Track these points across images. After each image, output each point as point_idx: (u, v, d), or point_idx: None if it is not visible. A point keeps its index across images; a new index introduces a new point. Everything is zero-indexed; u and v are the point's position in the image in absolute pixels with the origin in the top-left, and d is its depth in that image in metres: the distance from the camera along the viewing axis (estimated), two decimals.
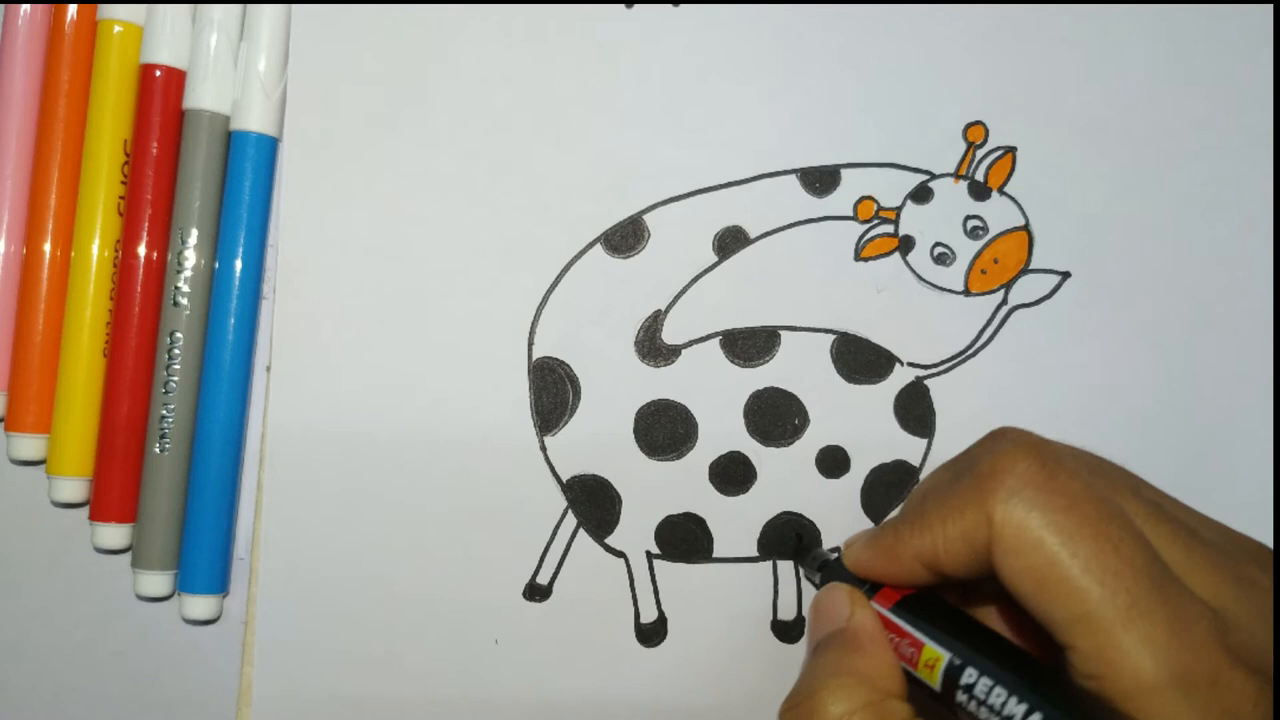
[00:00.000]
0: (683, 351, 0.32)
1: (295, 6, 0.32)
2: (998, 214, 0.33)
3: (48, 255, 0.31)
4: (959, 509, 0.23)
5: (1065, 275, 0.33)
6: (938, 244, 0.32)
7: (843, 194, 0.32)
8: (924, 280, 0.32)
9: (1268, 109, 0.34)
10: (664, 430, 0.32)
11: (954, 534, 0.23)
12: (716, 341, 0.32)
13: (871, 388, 0.32)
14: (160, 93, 0.31)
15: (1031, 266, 0.33)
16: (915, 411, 0.32)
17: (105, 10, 0.31)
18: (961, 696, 0.23)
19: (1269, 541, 0.32)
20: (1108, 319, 0.33)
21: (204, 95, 0.31)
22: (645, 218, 0.32)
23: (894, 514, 0.31)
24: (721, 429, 0.32)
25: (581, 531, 0.32)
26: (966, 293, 0.32)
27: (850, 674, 0.24)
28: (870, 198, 0.32)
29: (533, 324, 0.32)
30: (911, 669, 0.24)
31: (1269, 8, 0.34)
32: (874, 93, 0.33)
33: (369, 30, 0.32)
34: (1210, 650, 0.21)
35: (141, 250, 0.31)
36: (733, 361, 0.32)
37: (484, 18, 0.32)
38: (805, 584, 0.32)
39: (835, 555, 0.29)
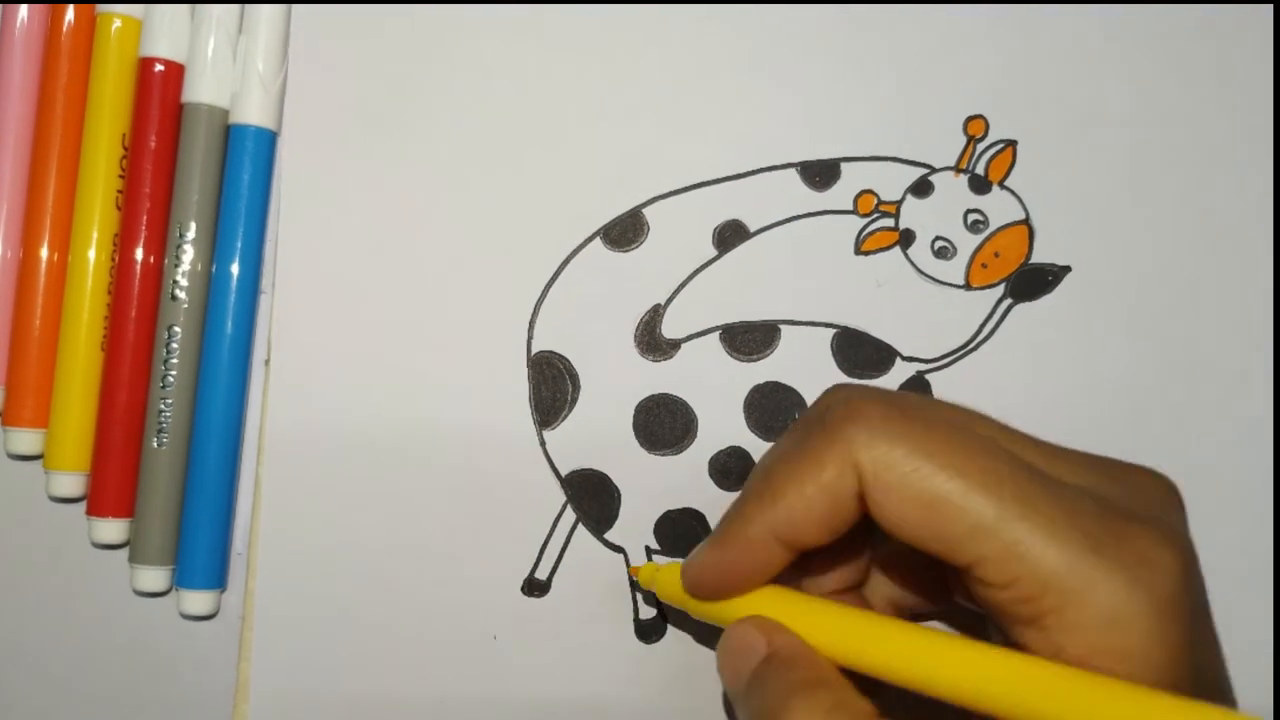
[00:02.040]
0: (682, 345, 0.32)
1: (294, 2, 0.32)
2: (998, 208, 0.32)
3: (46, 249, 0.31)
4: (816, 466, 0.22)
5: (1066, 269, 0.33)
6: (938, 238, 0.32)
7: (843, 188, 0.32)
8: (924, 274, 0.32)
9: (1268, 104, 0.34)
10: (664, 425, 0.32)
11: (813, 493, 0.22)
12: (716, 335, 0.32)
13: (872, 382, 0.32)
14: (159, 86, 0.31)
15: (1032, 260, 0.33)
16: None
17: (104, 5, 0.31)
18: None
19: (1269, 540, 0.33)
20: (1108, 313, 0.33)
21: (203, 89, 0.31)
22: (645, 211, 0.32)
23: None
24: (722, 423, 0.32)
25: (580, 527, 0.31)
26: (967, 287, 0.32)
27: (802, 688, 0.23)
28: (870, 191, 0.32)
29: (532, 318, 0.32)
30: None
31: (1269, 8, 0.34)
32: (874, 86, 0.33)
33: (368, 24, 0.32)
34: (1104, 515, 0.21)
35: (140, 244, 0.31)
36: (733, 356, 0.32)
37: (483, 11, 0.32)
38: None
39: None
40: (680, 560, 0.28)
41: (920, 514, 0.21)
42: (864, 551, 0.27)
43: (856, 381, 0.24)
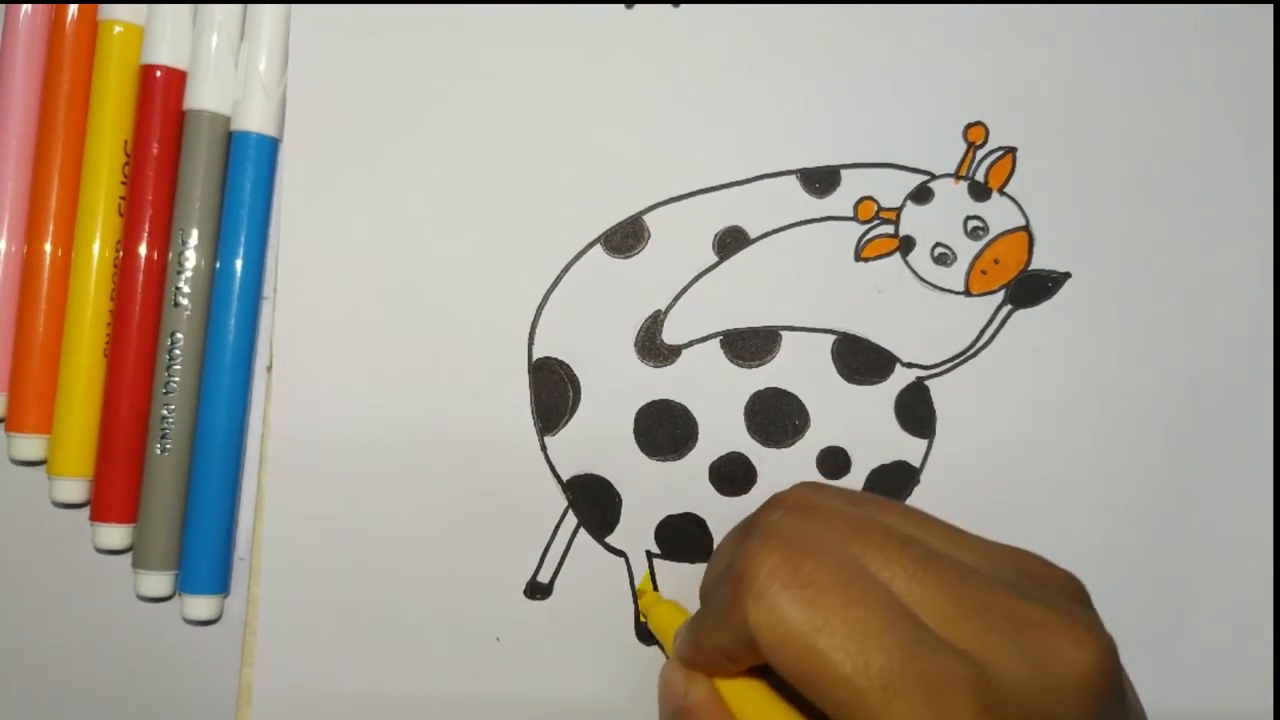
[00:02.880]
0: (683, 352, 0.32)
1: (295, 7, 0.32)
2: (998, 214, 0.33)
3: (48, 256, 0.31)
4: (726, 612, 0.23)
5: (1065, 275, 0.33)
6: (938, 244, 0.32)
7: (843, 194, 0.32)
8: (924, 281, 0.32)
9: (1268, 109, 0.34)
10: (664, 430, 0.32)
11: (730, 634, 0.23)
12: (717, 342, 0.32)
13: (872, 388, 0.32)
14: (161, 93, 0.31)
15: (1032, 267, 0.33)
16: (916, 412, 0.32)
17: (106, 11, 0.31)
18: None
19: (1269, 541, 0.33)
20: (1108, 319, 0.33)
21: (204, 96, 0.31)
22: (645, 218, 0.32)
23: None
24: (722, 429, 0.32)
25: (582, 531, 0.32)
26: (967, 293, 0.32)
27: None
28: (870, 198, 0.32)
29: (533, 324, 0.32)
30: None
31: (1269, 8, 0.34)
32: (874, 93, 0.33)
33: (369, 31, 0.32)
34: (968, 714, 0.20)
35: (142, 251, 0.31)
36: (733, 362, 0.32)
37: (484, 18, 0.32)
38: None
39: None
40: (675, 601, 0.30)
41: (797, 679, 0.21)
42: None
43: (790, 497, 0.25)
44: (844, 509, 0.24)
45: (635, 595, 0.32)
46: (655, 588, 0.32)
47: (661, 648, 0.31)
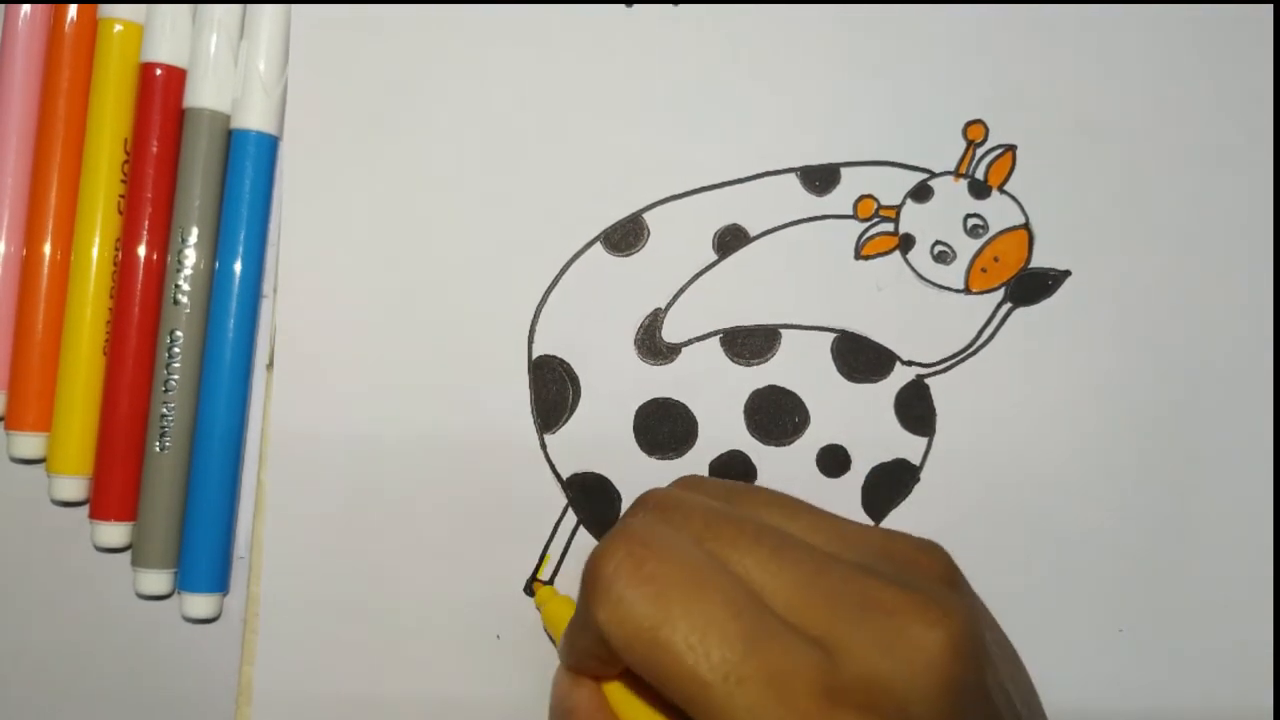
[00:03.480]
0: (683, 350, 0.32)
1: (295, 5, 0.32)
2: (998, 212, 0.33)
3: (47, 254, 0.31)
4: (583, 615, 0.23)
5: (1065, 274, 0.33)
6: (938, 242, 0.32)
7: (842, 192, 0.32)
8: (924, 279, 0.32)
9: (1268, 108, 0.34)
10: (664, 429, 0.32)
11: (590, 637, 0.23)
12: (716, 340, 0.32)
13: (872, 386, 0.32)
14: (160, 91, 0.31)
15: (1032, 265, 0.33)
16: (916, 410, 0.32)
17: (105, 9, 0.31)
18: None
19: (1269, 541, 0.33)
20: (1108, 317, 0.33)
21: (204, 94, 0.31)
22: (645, 216, 0.32)
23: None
24: (721, 427, 0.32)
25: (582, 529, 0.32)
26: (967, 291, 0.32)
27: None
28: (870, 196, 0.32)
29: (532, 322, 0.32)
30: None
31: (1269, 7, 0.34)
32: (874, 91, 0.33)
33: (369, 29, 0.32)
34: (808, 700, 0.20)
35: (141, 249, 0.31)
36: (733, 360, 0.32)
37: (484, 16, 0.32)
38: None
39: None
40: (570, 597, 0.30)
41: (649, 673, 0.21)
42: None
43: (651, 497, 0.25)
44: (704, 504, 0.24)
45: (531, 589, 0.31)
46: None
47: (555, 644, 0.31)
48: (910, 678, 0.20)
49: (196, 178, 0.31)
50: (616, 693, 0.25)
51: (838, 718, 0.20)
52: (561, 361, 0.32)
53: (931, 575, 0.23)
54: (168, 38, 0.31)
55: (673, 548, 0.22)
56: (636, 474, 0.32)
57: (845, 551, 0.23)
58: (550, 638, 0.31)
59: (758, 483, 0.32)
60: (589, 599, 0.22)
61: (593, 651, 0.24)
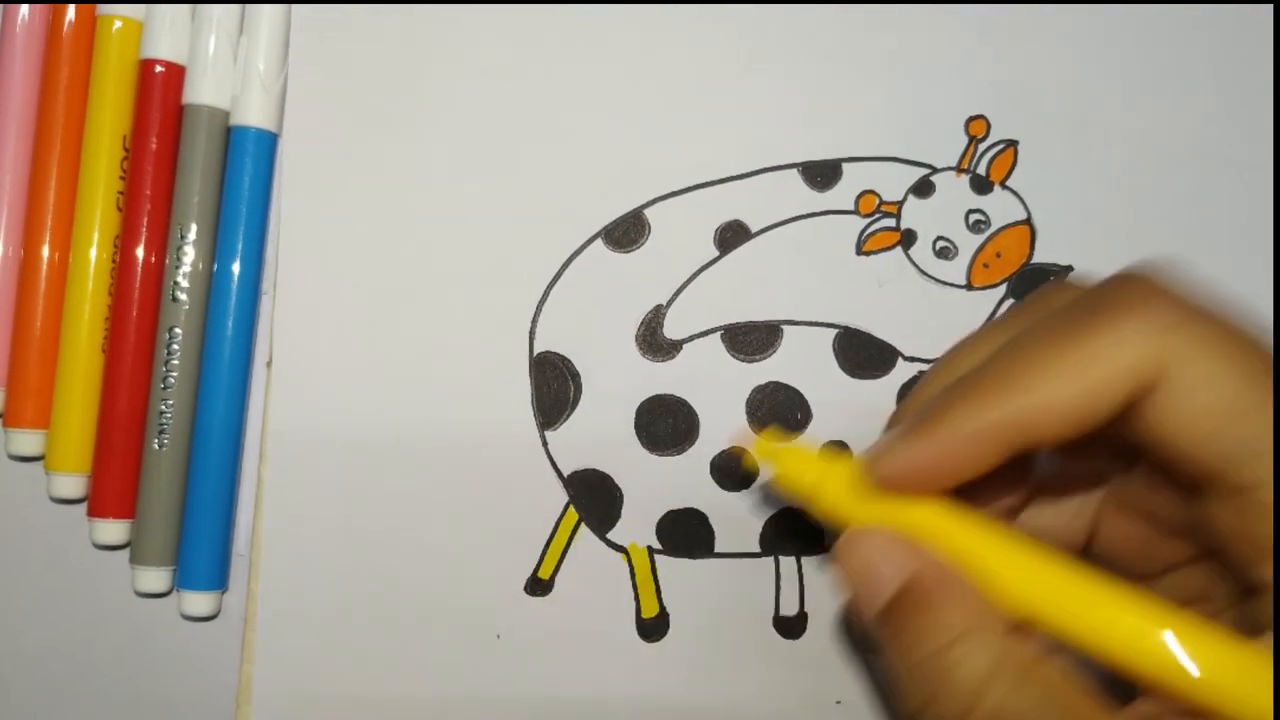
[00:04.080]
0: (684, 346, 0.32)
1: (294, 3, 0.32)
2: (1000, 208, 0.32)
3: (46, 251, 0.31)
4: (1087, 352, 0.19)
5: (1068, 269, 0.33)
6: (940, 238, 0.32)
7: (844, 188, 0.32)
8: (926, 274, 0.32)
9: (1268, 104, 0.34)
10: (665, 425, 0.32)
11: (1076, 385, 0.19)
12: (718, 336, 0.32)
13: (874, 382, 0.32)
14: (160, 88, 0.31)
15: (1034, 260, 0.33)
16: None
17: (105, 6, 0.31)
18: None
19: (1268, 542, 0.33)
20: None
21: (203, 90, 0.31)
22: (646, 212, 0.32)
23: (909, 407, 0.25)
24: (723, 424, 0.32)
25: (583, 526, 0.31)
26: (969, 287, 0.32)
27: (965, 635, 0.19)
28: (872, 192, 0.32)
29: (533, 319, 0.32)
30: None
31: (1269, 7, 0.34)
32: (875, 87, 0.33)
33: (368, 25, 0.32)
34: None
35: (140, 246, 0.31)
36: (734, 356, 0.32)
37: (484, 12, 0.32)
38: (807, 580, 0.32)
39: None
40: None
41: (1213, 425, 0.18)
42: (1029, 469, 0.23)
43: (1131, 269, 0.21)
44: None
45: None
46: (657, 584, 0.31)
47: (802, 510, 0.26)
48: None
49: (195, 174, 0.31)
50: (936, 525, 0.21)
51: None
52: (563, 358, 0.32)
53: None
54: (167, 34, 0.31)
55: (1211, 302, 0.20)
56: (638, 471, 0.31)
57: None
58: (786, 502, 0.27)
59: (759, 478, 0.32)
60: (1147, 325, 0.19)
61: (1057, 407, 0.19)
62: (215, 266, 0.31)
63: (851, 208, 0.32)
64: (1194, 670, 0.19)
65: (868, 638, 0.21)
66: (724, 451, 0.32)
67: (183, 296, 0.31)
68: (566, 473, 0.31)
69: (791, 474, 0.24)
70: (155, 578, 0.31)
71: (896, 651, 0.20)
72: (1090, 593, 0.20)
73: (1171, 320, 0.19)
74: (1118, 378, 0.19)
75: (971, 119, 0.33)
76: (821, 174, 0.32)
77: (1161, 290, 0.20)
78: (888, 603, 0.20)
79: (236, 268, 0.31)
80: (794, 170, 0.32)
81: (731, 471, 0.32)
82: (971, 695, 0.19)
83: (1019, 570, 0.20)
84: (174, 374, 0.31)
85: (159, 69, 0.31)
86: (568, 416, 0.32)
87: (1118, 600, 0.20)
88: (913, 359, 0.32)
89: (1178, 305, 0.19)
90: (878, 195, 0.32)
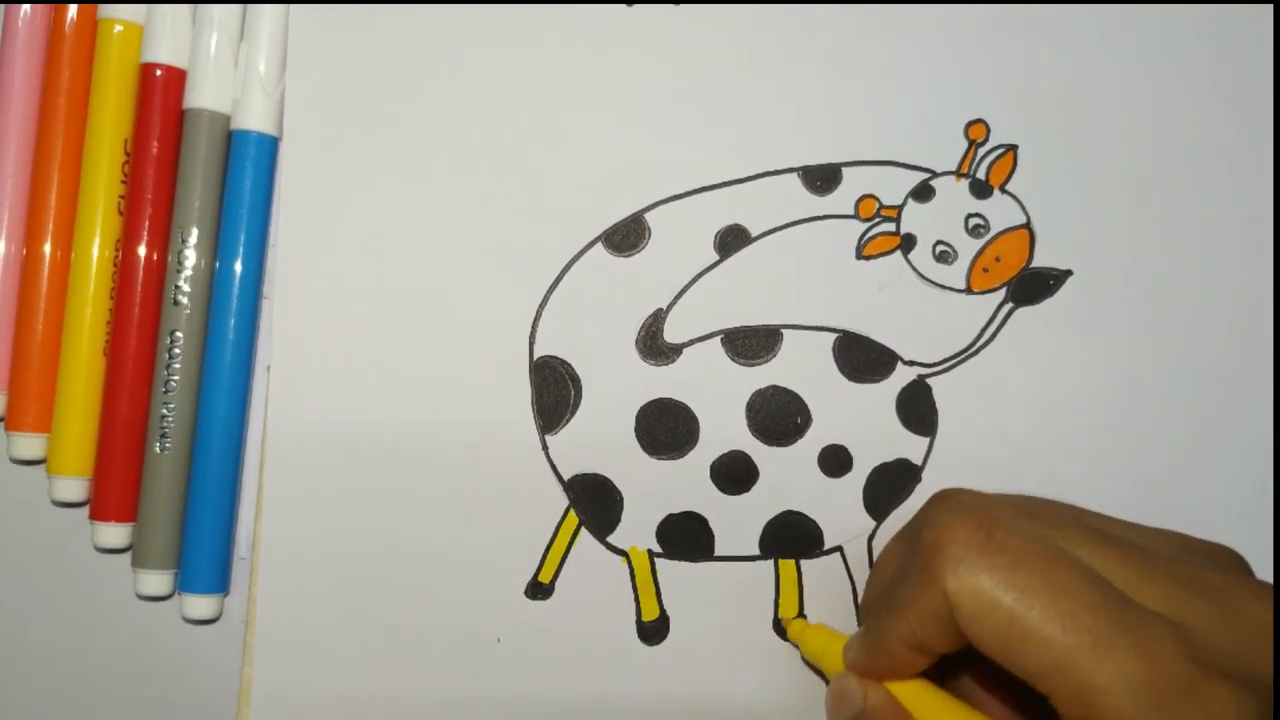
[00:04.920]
0: (684, 350, 0.32)
1: (295, 6, 0.32)
2: (999, 212, 0.33)
3: (48, 255, 0.31)
4: (919, 589, 0.23)
5: (1067, 273, 0.33)
6: (939, 242, 0.32)
7: (844, 192, 0.32)
8: (925, 278, 0.32)
9: (1268, 107, 0.34)
10: (665, 429, 0.32)
11: (923, 613, 0.23)
12: (718, 340, 0.32)
13: (873, 386, 0.32)
14: (160, 92, 0.31)
15: (1033, 265, 0.33)
16: (917, 410, 0.32)
17: (105, 9, 0.31)
18: None
19: (1269, 540, 0.33)
20: (1109, 317, 0.33)
21: (204, 94, 0.31)
22: (646, 216, 0.32)
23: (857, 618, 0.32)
24: (723, 428, 0.32)
25: (583, 530, 0.31)
26: (968, 291, 0.32)
27: None
28: (872, 196, 0.32)
29: (534, 323, 0.32)
30: None
31: (1269, 7, 0.34)
32: (875, 91, 0.33)
33: (369, 29, 0.32)
34: (1179, 665, 0.21)
35: (141, 250, 0.31)
36: (734, 360, 0.32)
37: (484, 16, 0.32)
38: (807, 583, 0.32)
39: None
40: (824, 625, 0.31)
41: (1000, 646, 0.22)
42: None
43: (958, 490, 0.27)
44: (1013, 498, 0.26)
45: (778, 621, 0.32)
46: (657, 588, 0.32)
47: (817, 672, 0.31)
48: (1252, 645, 0.21)
49: (196, 178, 0.31)
50: (910, 694, 0.26)
51: (1210, 685, 0.21)
52: (563, 362, 0.32)
53: (1230, 562, 0.24)
54: (168, 38, 0.31)
55: (1015, 522, 0.23)
56: (638, 474, 0.32)
57: (1152, 543, 0.24)
58: (811, 667, 0.32)
59: (759, 482, 0.32)
60: (934, 572, 0.23)
61: (916, 638, 0.24)
62: (216, 270, 0.31)
63: (851, 212, 0.32)
64: None
65: None
66: (722, 455, 0.32)
67: (184, 300, 0.31)
68: (567, 476, 0.32)
69: (810, 645, 0.30)
70: (156, 581, 0.31)
71: None
72: None
73: (953, 563, 0.23)
74: (937, 613, 0.23)
75: (971, 123, 0.33)
76: (821, 178, 0.32)
77: (953, 531, 0.23)
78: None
79: (237, 271, 0.31)
80: (794, 174, 0.32)
81: (732, 475, 0.32)
82: None
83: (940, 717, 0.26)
84: (175, 378, 0.31)
85: (159, 73, 0.31)
86: (568, 420, 0.32)
87: None
88: (912, 363, 0.32)
89: (958, 548, 0.23)
90: (877, 199, 0.32)
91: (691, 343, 0.32)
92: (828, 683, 0.29)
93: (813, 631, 0.30)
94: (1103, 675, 0.21)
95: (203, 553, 0.31)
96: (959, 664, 0.27)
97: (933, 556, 0.23)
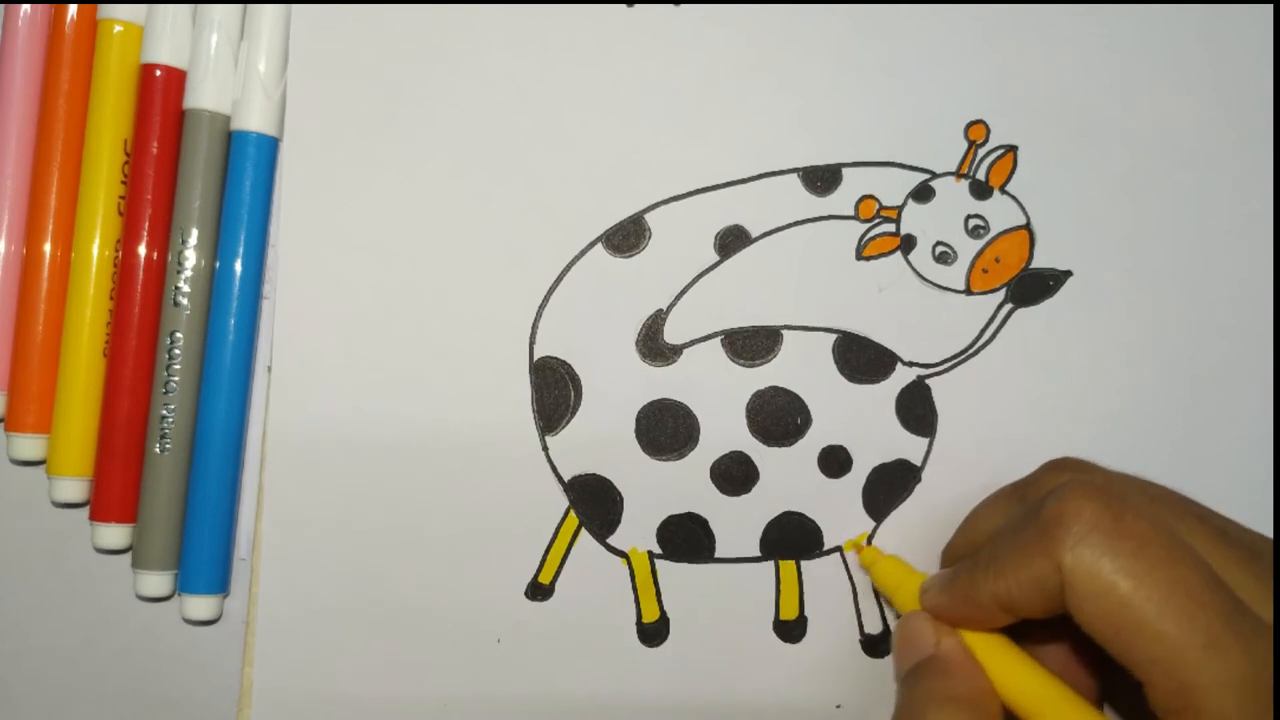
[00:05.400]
0: (684, 351, 0.32)
1: (295, 6, 0.32)
2: (999, 213, 0.33)
3: (48, 255, 0.31)
4: (1028, 556, 0.23)
5: (1067, 274, 0.33)
6: (939, 243, 0.32)
7: (844, 193, 0.32)
8: (925, 279, 0.32)
9: (1268, 108, 0.34)
10: (665, 430, 0.32)
11: (1026, 579, 0.23)
12: (718, 341, 0.32)
13: (873, 387, 0.32)
14: (160, 92, 0.31)
15: (1033, 265, 0.33)
16: (917, 411, 0.32)
17: (105, 10, 0.31)
18: None
19: (1269, 539, 0.33)
20: (1109, 318, 0.33)
21: (204, 95, 0.31)
22: (646, 217, 0.32)
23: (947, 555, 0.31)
24: (723, 429, 0.32)
25: (583, 531, 0.31)
26: (968, 292, 0.32)
27: (949, 700, 0.24)
28: (871, 197, 0.32)
29: (534, 324, 0.32)
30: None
31: (1269, 7, 0.34)
32: (875, 91, 0.33)
33: (369, 30, 0.32)
34: None
35: (141, 250, 0.31)
36: (734, 361, 0.32)
37: (484, 17, 0.32)
38: (807, 584, 0.32)
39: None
40: (897, 556, 0.31)
41: (1108, 630, 0.22)
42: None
43: (1080, 460, 0.27)
44: (1135, 479, 0.25)
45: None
46: (657, 589, 0.32)
47: (886, 603, 0.32)
48: None
49: (197, 179, 0.31)
50: (984, 646, 0.25)
51: None
52: (563, 363, 0.32)
53: None
54: (168, 39, 0.31)
55: (1143, 507, 0.23)
56: (638, 475, 0.32)
57: (1264, 549, 0.24)
58: (885, 598, 0.32)
59: (759, 483, 0.32)
60: (1054, 543, 0.22)
61: (1009, 599, 0.24)
62: (216, 271, 0.31)
63: (851, 213, 0.32)
64: None
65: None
66: (722, 456, 0.32)
67: (184, 301, 0.31)
68: (567, 477, 0.32)
69: (883, 576, 0.30)
70: (157, 582, 0.31)
71: (908, 706, 0.25)
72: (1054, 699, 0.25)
73: (1074, 539, 0.22)
74: (1044, 582, 0.23)
75: (971, 124, 0.33)
76: (821, 179, 0.32)
77: (1078, 508, 0.23)
78: (916, 665, 0.25)
79: (238, 272, 0.31)
80: (794, 175, 0.32)
81: (732, 475, 0.32)
82: None
83: (1013, 676, 0.25)
84: (175, 378, 0.31)
85: (159, 73, 0.31)
86: (568, 421, 0.32)
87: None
88: (912, 364, 0.32)
89: (1090, 522, 0.22)
90: (877, 200, 0.32)
91: (691, 343, 0.32)
92: (890, 613, 0.29)
93: (887, 562, 0.30)
94: (1208, 676, 0.21)
95: (203, 553, 0.31)
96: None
97: (1054, 529, 0.23)
